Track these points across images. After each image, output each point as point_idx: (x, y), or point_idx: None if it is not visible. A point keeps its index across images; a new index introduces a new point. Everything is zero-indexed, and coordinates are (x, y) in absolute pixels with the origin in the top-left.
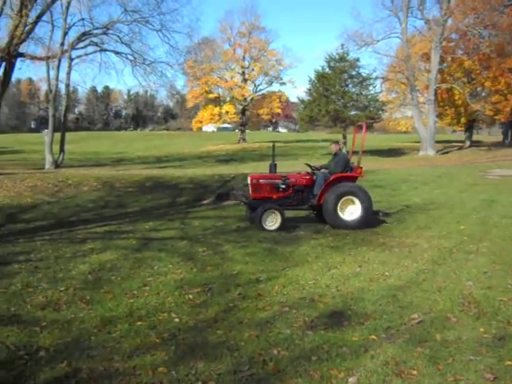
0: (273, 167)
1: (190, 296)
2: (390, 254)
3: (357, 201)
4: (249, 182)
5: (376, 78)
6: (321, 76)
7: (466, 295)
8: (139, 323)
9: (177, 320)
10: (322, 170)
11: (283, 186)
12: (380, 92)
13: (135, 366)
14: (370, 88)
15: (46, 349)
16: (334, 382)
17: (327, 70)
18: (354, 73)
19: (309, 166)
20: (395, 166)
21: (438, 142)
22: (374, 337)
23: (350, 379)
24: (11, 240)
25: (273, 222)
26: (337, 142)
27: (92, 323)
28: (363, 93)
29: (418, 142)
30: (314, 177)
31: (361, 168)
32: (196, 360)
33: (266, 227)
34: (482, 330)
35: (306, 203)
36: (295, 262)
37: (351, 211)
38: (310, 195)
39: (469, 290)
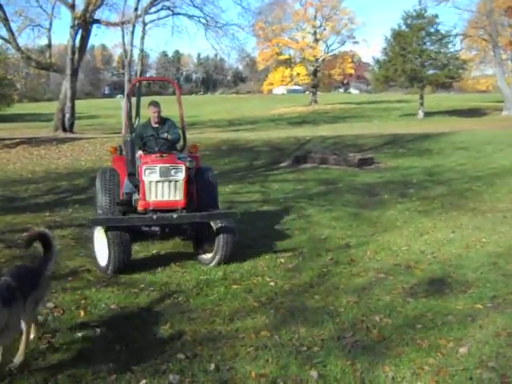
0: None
1: (282, 260)
2: (484, 219)
3: None
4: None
5: (456, 35)
6: (397, 34)
7: None
8: (235, 286)
9: (272, 284)
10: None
11: None
12: (460, 50)
13: (237, 329)
14: (450, 46)
15: (148, 310)
16: (444, 352)
17: (404, 27)
18: (432, 30)
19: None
20: (477, 126)
21: None
22: (479, 306)
23: (461, 349)
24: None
25: None
26: (157, 104)
27: (188, 286)
28: (442, 51)
29: (501, 102)
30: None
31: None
32: (297, 325)
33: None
34: None
35: None
36: (384, 227)
37: None
38: None
39: None
